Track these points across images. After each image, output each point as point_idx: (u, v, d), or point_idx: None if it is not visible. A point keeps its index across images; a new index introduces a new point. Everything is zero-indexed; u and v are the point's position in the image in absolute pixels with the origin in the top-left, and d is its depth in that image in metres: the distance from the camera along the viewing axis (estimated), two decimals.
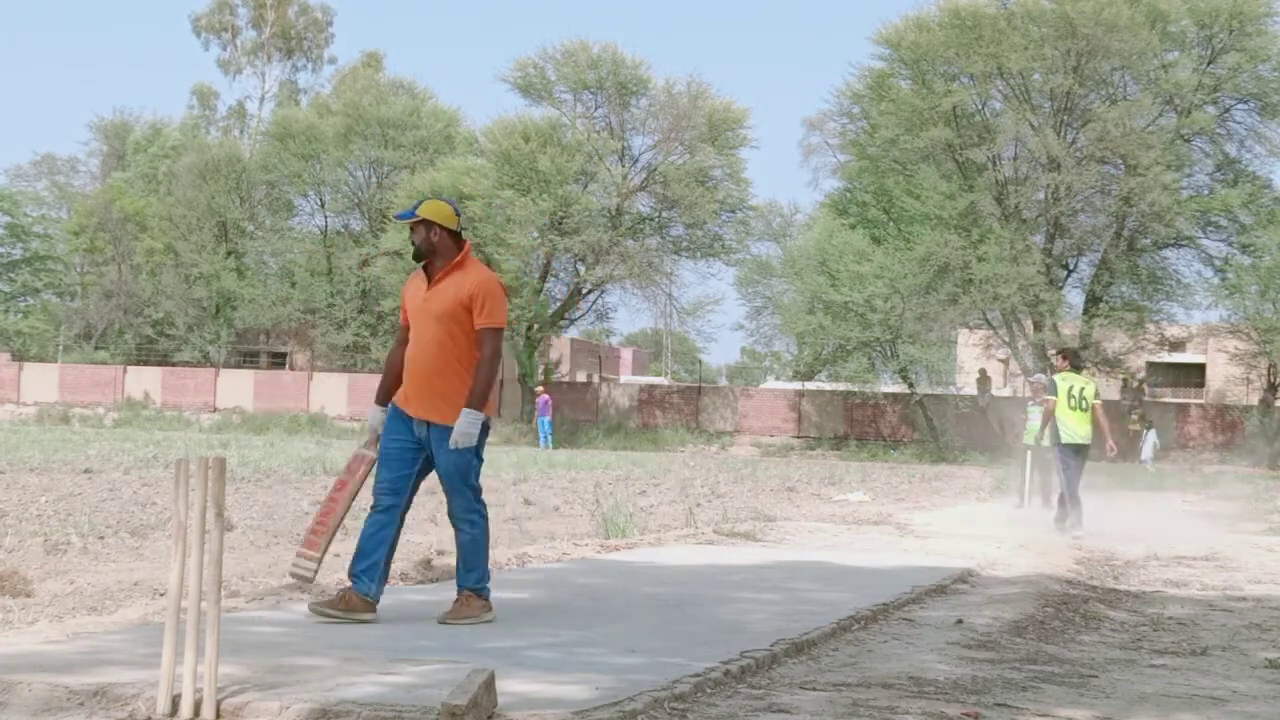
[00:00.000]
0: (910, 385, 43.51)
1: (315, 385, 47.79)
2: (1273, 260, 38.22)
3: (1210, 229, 40.67)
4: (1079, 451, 14.37)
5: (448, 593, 7.54)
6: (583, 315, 47.36)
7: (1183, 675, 5.88)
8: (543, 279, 44.26)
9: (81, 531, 10.64)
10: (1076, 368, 15.16)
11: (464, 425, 6.27)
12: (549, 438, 40.45)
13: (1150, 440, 33.16)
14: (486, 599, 6.46)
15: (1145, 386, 44.25)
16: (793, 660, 5.84)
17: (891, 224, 41.78)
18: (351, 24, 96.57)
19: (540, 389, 42.74)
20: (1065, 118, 39.06)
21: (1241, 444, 39.26)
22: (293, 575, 6.50)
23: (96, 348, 58.75)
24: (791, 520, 14.64)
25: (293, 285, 50.75)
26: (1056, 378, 14.79)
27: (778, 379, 68.07)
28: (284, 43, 66.85)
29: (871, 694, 5.11)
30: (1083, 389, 14.47)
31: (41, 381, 51.02)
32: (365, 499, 6.62)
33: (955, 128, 39.02)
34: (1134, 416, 34.42)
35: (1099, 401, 14.67)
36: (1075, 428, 14.34)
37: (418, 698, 4.45)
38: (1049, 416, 14.60)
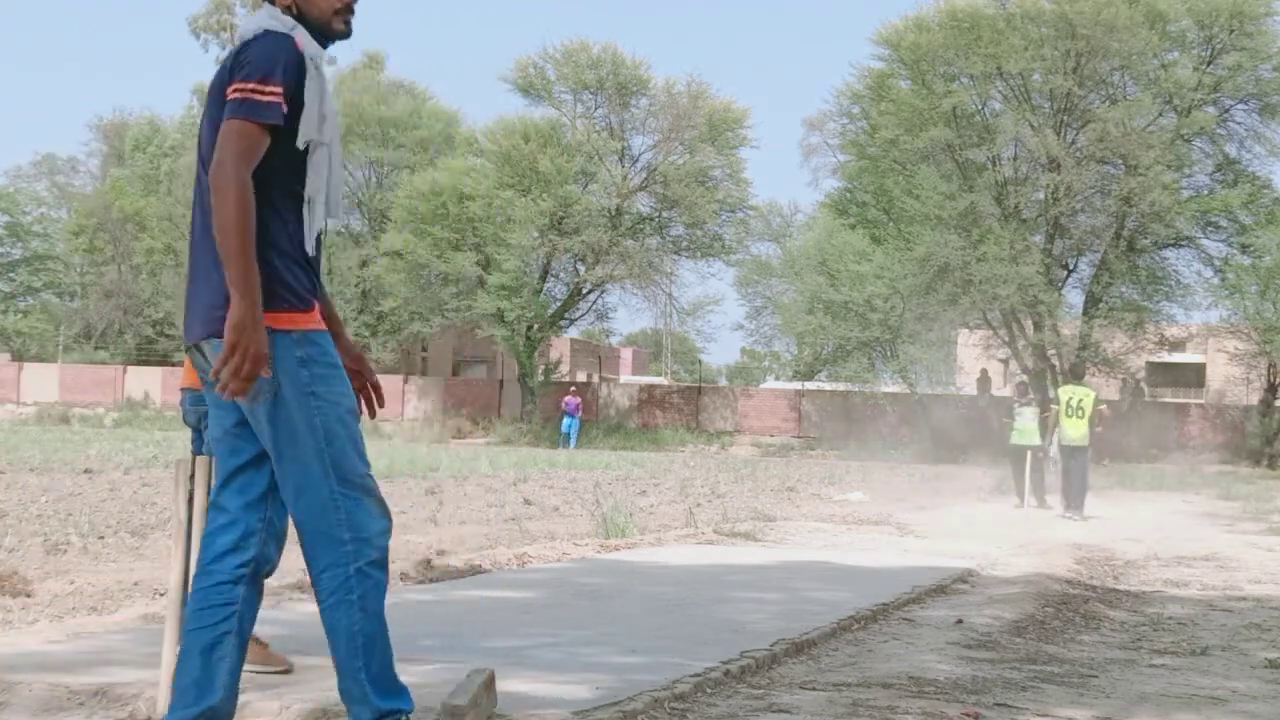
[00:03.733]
0: (910, 385, 43.48)
1: None
2: (1273, 260, 38.17)
3: (1210, 229, 40.63)
4: (1071, 452, 16.74)
5: (449, 592, 7.55)
6: (583, 315, 47.40)
7: (1183, 675, 5.87)
8: (543, 279, 44.29)
9: (81, 531, 10.64)
10: (1078, 379, 18.19)
11: None
12: (573, 437, 40.93)
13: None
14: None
15: (1144, 386, 44.21)
16: (793, 660, 5.84)
17: (891, 224, 41.74)
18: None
19: (573, 390, 43.50)
20: (1065, 118, 39.01)
21: (1241, 444, 39.23)
22: None
23: (96, 348, 58.79)
24: (791, 520, 14.64)
25: None
26: (1060, 390, 17.43)
27: (778, 379, 68.15)
28: None
29: (871, 694, 5.11)
30: (1080, 400, 16.66)
31: (41, 381, 51.03)
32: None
33: (955, 128, 38.98)
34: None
35: (1104, 407, 17.28)
36: (1069, 432, 16.71)
37: (418, 698, 4.44)
38: (1054, 423, 17.13)
